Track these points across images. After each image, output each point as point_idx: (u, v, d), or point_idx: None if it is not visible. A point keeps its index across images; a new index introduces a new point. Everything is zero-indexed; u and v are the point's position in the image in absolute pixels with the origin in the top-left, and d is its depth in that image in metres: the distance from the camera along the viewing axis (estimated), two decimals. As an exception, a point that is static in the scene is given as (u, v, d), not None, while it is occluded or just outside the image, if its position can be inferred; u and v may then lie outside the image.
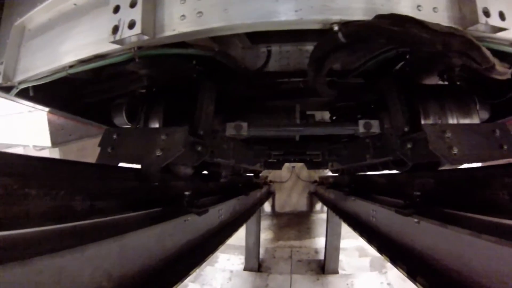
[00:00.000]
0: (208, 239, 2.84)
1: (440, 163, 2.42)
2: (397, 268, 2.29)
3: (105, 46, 1.86)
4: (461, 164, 1.82)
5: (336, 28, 1.66)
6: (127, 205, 1.89)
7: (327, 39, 1.85)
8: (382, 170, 3.58)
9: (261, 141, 4.02)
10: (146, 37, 1.72)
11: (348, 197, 4.27)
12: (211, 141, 2.44)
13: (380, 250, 2.68)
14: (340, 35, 1.68)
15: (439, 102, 2.37)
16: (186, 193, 2.36)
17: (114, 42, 1.76)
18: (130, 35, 1.69)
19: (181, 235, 2.30)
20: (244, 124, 2.40)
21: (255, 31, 1.85)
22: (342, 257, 8.80)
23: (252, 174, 6.60)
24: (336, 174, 7.00)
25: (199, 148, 2.20)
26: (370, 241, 3.01)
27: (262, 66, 2.74)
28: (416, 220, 2.09)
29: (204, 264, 7.90)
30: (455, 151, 1.67)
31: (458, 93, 2.43)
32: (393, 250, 2.51)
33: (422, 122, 2.32)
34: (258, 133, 2.54)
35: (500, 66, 1.70)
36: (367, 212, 3.34)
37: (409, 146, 2.12)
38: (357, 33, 1.68)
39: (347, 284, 7.95)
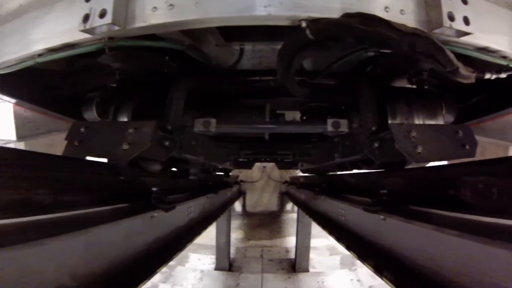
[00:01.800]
0: (177, 237, 2.80)
1: (406, 161, 2.50)
2: (364, 265, 2.34)
3: (76, 35, 1.84)
4: (426, 162, 1.90)
5: (304, 25, 1.69)
6: (94, 199, 1.85)
7: (295, 36, 1.88)
8: (351, 169, 3.66)
9: (231, 140, 4.03)
10: (116, 27, 1.71)
11: (318, 197, 4.31)
12: (180, 136, 2.44)
13: (349, 248, 2.73)
14: (308, 32, 1.72)
15: (406, 104, 2.46)
16: (154, 189, 2.33)
17: (84, 30, 1.75)
18: (101, 24, 1.68)
19: (150, 232, 2.26)
20: (213, 121, 2.41)
21: (225, 25, 1.88)
22: (313, 255, 8.93)
23: (222, 173, 6.58)
24: (307, 174, 7.07)
25: (167, 143, 2.20)
26: (339, 239, 3.05)
27: (233, 64, 2.75)
28: (382, 217, 2.14)
29: (175, 264, 7.82)
30: (420, 149, 1.74)
31: (426, 96, 2.53)
32: (361, 247, 2.56)
33: (390, 122, 2.40)
34: (227, 130, 2.57)
35: (464, 70, 1.78)
36: (336, 211, 3.38)
37: (376, 145, 2.19)
38: (324, 30, 1.72)
39: (318, 281, 8.06)
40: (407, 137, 1.79)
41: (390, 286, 1.89)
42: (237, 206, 13.55)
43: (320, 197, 4.17)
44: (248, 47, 2.76)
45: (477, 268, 1.29)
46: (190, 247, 8.78)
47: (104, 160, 1.99)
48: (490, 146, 4.62)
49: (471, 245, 1.31)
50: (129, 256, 1.93)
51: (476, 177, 1.58)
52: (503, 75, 2.03)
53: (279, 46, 2.41)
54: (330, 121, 2.40)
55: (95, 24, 1.70)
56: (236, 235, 11.11)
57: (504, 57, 1.95)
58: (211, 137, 3.04)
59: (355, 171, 3.63)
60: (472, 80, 1.92)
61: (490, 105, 2.92)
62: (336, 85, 2.87)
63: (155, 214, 2.24)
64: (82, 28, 1.74)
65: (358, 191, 3.10)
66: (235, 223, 12.22)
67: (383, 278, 1.99)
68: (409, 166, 2.54)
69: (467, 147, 1.86)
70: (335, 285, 7.85)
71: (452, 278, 1.47)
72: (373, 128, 2.33)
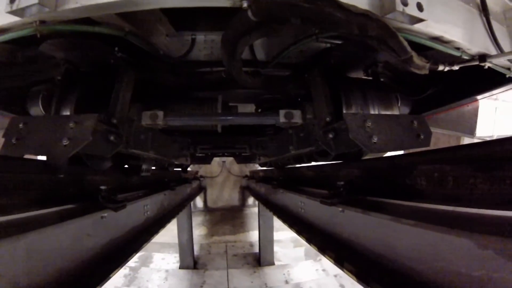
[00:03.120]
0: (133, 237, 2.71)
1: (362, 152, 2.49)
2: (325, 257, 2.32)
3: (4, 18, 1.66)
4: (381, 152, 1.87)
5: (245, 5, 1.58)
6: (34, 201, 1.72)
7: (237, 19, 1.80)
8: (308, 162, 3.63)
9: (184, 134, 3.92)
10: (46, 9, 1.55)
11: (276, 190, 4.31)
12: (127, 130, 2.31)
13: (310, 240, 2.71)
14: (250, 13, 1.62)
15: (362, 94, 2.43)
16: (102, 187, 2.19)
17: (12, 12, 1.58)
18: (28, 4, 1.52)
19: (102, 234, 2.15)
20: (160, 113, 2.30)
21: (174, 14, 1.77)
22: (277, 248, 8.97)
23: (180, 169, 6.45)
24: (265, 168, 7.05)
25: (112, 138, 2.05)
26: (299, 232, 3.04)
27: (184, 54, 2.64)
28: (340, 209, 2.12)
29: (139, 265, 7.64)
30: (375, 139, 1.70)
31: (381, 87, 2.52)
32: (322, 240, 2.55)
33: (344, 112, 2.37)
34: (176, 123, 2.44)
35: (418, 60, 1.76)
36: (296, 204, 3.38)
37: (331, 136, 2.14)
38: (268, 11, 1.62)
39: (284, 274, 8.12)
40: (361, 127, 1.75)
41: (351, 277, 1.88)
42: (199, 202, 13.52)
43: (279, 191, 4.17)
44: (200, 37, 2.66)
45: (437, 257, 1.28)
46: (153, 246, 8.56)
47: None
48: (443, 137, 4.77)
49: (430, 234, 1.30)
50: (79, 261, 1.82)
51: (431, 166, 1.57)
52: (456, 67, 2.02)
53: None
54: (282, 112, 2.33)
55: (22, 5, 1.53)
56: (199, 232, 11.04)
57: (458, 48, 1.94)
58: (162, 131, 2.92)
59: (313, 163, 3.61)
60: (426, 71, 1.90)
61: (444, 97, 2.98)
62: (290, 76, 2.81)
63: (105, 214, 2.12)
64: (9, 9, 1.57)
65: (316, 184, 3.09)
66: (197, 219, 12.19)
67: (344, 269, 1.98)
68: (366, 157, 2.54)
69: (422, 137, 1.85)
70: (301, 276, 7.91)
71: (413, 266, 1.46)
72: (328, 119, 2.27)
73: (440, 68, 1.99)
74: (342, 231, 2.26)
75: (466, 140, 5.64)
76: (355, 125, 1.76)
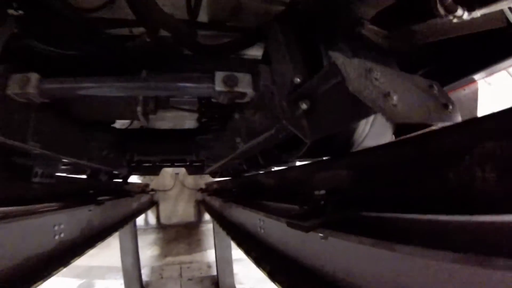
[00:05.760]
0: (23, 275, 1.83)
1: (351, 142, 1.65)
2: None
3: None
4: (405, 121, 0.98)
5: None
6: None
7: None
8: (266, 165, 2.75)
9: (104, 128, 3.09)
10: None
11: (228, 205, 3.54)
12: None
13: (273, 275, 1.93)
14: None
15: (351, 48, 1.56)
16: None
17: None
18: None
19: None
20: (34, 76, 1.44)
21: None
22: (238, 268, 8.17)
23: (121, 180, 5.56)
24: (220, 179, 6.35)
25: None
26: (258, 261, 2.35)
27: (95, 9, 1.80)
28: (321, 235, 1.28)
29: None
30: (395, 100, 0.87)
31: (373, 48, 1.72)
32: (292, 274, 1.81)
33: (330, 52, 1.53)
34: (60, 93, 1.56)
35: None
36: (254, 223, 2.64)
37: (304, 106, 1.22)
38: None
39: (246, 299, 7.30)
40: (366, 77, 0.91)
41: None
42: (151, 218, 12.89)
43: (232, 206, 3.38)
44: None
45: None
46: (96, 272, 7.75)
47: None
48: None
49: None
50: None
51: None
52: (478, 13, 1.29)
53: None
54: (220, 76, 1.43)
55: None
56: (151, 252, 10.22)
57: None
58: (65, 119, 2.08)
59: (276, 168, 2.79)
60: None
61: (436, 78, 2.27)
62: (241, 41, 1.96)
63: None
64: None
65: (281, 195, 2.24)
66: (149, 238, 11.56)
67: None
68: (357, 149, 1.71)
69: (450, 107, 1.10)
70: (266, 302, 7.16)
71: None
72: (297, 80, 1.36)
73: (459, 13, 1.25)
74: (325, 266, 1.47)
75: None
76: (354, 72, 0.90)
